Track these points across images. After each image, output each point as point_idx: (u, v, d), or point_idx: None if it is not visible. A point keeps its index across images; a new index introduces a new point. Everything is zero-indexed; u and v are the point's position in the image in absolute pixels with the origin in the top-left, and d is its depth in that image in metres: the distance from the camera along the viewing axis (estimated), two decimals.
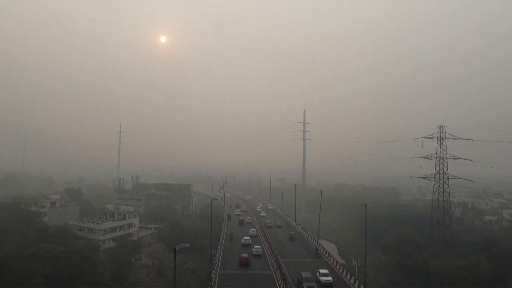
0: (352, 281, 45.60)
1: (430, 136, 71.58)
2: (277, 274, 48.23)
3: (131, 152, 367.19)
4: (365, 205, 43.72)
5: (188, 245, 23.85)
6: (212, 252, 51.56)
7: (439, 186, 70.88)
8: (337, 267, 53.64)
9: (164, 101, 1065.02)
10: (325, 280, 43.40)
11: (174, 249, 21.95)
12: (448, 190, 70.62)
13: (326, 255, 62.57)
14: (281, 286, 42.84)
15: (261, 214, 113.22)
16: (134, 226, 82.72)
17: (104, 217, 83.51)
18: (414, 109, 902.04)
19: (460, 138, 70.15)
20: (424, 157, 71.99)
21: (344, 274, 49.70)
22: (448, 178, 70.30)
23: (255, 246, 63.98)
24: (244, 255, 57.13)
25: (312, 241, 76.48)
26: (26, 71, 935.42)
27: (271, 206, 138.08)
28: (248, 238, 71.64)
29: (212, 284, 42.94)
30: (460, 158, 69.60)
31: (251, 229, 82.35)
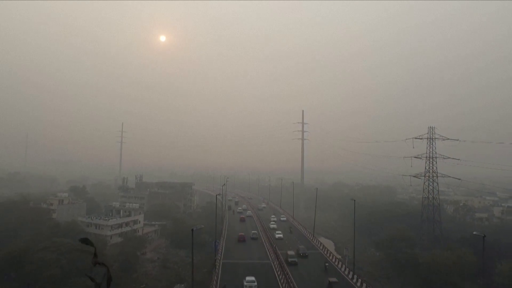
0: (343, 269, 50.67)
1: (420, 137, 75.54)
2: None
3: (131, 151, 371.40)
4: (354, 200, 47.65)
5: (203, 226, 28.12)
6: (216, 242, 55.70)
7: (428, 184, 74.82)
8: (333, 259, 57.45)
9: (164, 100, 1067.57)
10: None
11: (192, 230, 25.55)
12: (437, 188, 74.56)
13: (321, 247, 66.39)
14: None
15: (277, 236, 74.77)
16: (139, 223, 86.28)
17: (111, 214, 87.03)
18: (414, 109, 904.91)
19: (448, 139, 74.09)
20: (415, 157, 75.94)
21: (336, 263, 54.82)
22: (437, 176, 74.19)
23: (248, 212, 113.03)
24: (242, 216, 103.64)
25: None
26: (27, 71, 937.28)
27: (284, 217, 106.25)
28: (240, 208, 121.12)
29: (216, 271, 46.98)
30: (449, 158, 73.54)
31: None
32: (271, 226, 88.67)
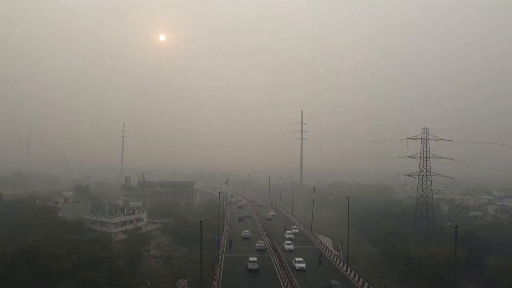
0: (338, 262, 54.19)
1: (415, 137, 78.38)
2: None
3: (132, 151, 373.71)
4: (348, 197, 50.25)
5: (211, 218, 31.05)
6: (219, 238, 58.57)
7: (422, 182, 77.71)
8: (331, 256, 60.13)
9: (165, 101, 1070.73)
10: None
11: (201, 221, 27.98)
12: (431, 186, 77.52)
13: (318, 242, 69.76)
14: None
15: (297, 266, 50.64)
16: (143, 221, 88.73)
17: (115, 212, 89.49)
18: (413, 109, 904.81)
19: (441, 139, 76.92)
20: (409, 156, 78.87)
21: (331, 257, 58.14)
22: (430, 175, 77.05)
23: (242, 201, 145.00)
24: (240, 204, 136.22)
25: None
26: (27, 71, 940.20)
27: (296, 228, 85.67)
28: (235, 199, 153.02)
29: (219, 264, 49.75)
30: (442, 157, 76.32)
31: None
32: (287, 247, 63.57)
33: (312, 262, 53.65)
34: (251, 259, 50.41)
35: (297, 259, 52.44)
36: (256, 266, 49.42)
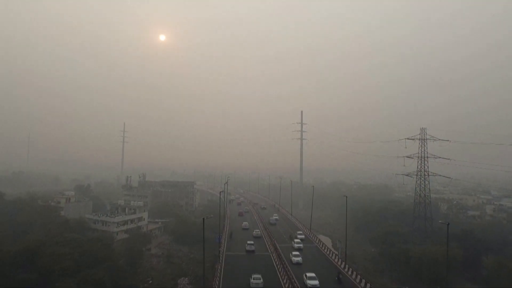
0: (336, 260, 55.34)
1: (412, 138, 79.14)
2: None
3: (131, 151, 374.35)
4: (346, 197, 51.00)
5: (212, 216, 31.70)
6: (220, 236, 59.40)
7: (420, 182, 78.41)
8: (330, 254, 60.95)
9: (165, 101, 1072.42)
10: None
11: (203, 219, 28.62)
12: (429, 186, 78.20)
13: (317, 241, 70.58)
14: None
15: (310, 284, 42.63)
16: (144, 220, 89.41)
17: (116, 211, 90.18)
18: (413, 110, 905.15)
19: (439, 139, 77.63)
20: (407, 157, 79.62)
21: (329, 254, 59.56)
22: (428, 175, 77.74)
23: (240, 198, 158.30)
24: (238, 201, 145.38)
25: None
26: (27, 71, 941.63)
27: (301, 233, 77.14)
28: (233, 197, 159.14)
29: (220, 262, 50.50)
30: (439, 157, 77.00)
31: None
32: (294, 259, 54.38)
33: (325, 277, 46.59)
34: (248, 242, 63.01)
35: (308, 274, 44.59)
36: (252, 247, 61.27)
